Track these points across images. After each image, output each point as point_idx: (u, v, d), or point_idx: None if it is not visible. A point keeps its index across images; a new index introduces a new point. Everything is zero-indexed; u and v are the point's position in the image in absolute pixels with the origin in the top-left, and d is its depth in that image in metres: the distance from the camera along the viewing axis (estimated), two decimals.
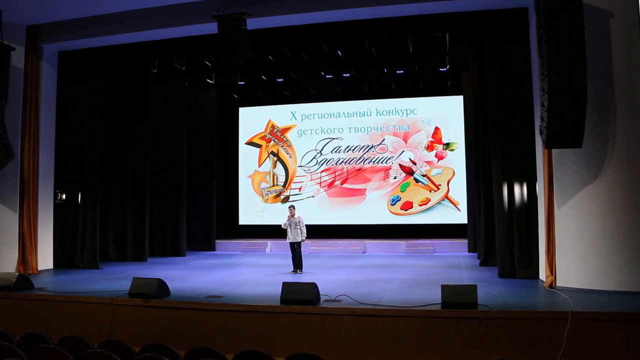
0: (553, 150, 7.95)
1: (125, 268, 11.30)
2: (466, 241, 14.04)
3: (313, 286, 6.86)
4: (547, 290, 7.74)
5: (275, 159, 16.90)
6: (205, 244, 15.80)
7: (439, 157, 15.65)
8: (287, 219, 10.61)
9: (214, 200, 15.95)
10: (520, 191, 9.31)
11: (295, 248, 10.53)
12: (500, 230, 9.41)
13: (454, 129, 15.49)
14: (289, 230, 10.56)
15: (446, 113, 15.70)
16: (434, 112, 15.84)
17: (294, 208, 10.70)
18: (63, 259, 11.48)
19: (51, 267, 11.29)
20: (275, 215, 16.50)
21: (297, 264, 10.52)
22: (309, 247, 14.66)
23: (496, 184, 9.60)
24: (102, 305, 7.31)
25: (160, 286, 7.39)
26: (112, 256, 12.92)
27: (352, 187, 16.22)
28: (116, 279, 9.45)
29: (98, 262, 11.45)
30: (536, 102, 8.70)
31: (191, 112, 15.67)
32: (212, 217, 15.81)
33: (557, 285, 7.91)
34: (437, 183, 15.55)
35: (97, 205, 11.74)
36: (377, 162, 16.06)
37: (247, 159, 17.14)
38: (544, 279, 8.24)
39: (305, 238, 10.66)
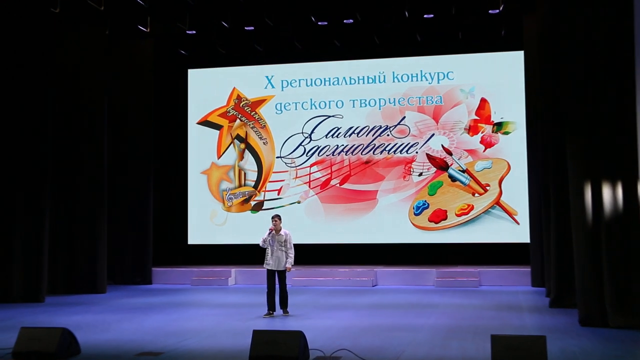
0: None
1: (10, 313, 11.13)
2: (529, 269, 14.00)
3: (299, 337, 6.78)
4: None
5: (243, 146, 16.76)
6: (136, 274, 15.68)
7: (487, 144, 15.53)
8: (268, 233, 10.50)
9: (150, 209, 15.85)
10: (612, 196, 9.14)
11: (278, 278, 10.46)
12: (582, 255, 9.31)
13: (510, 102, 15.41)
14: (269, 251, 10.48)
15: (498, 78, 15.59)
16: (479, 77, 15.71)
17: (279, 219, 10.60)
18: None
19: None
20: (243, 229, 16.36)
21: (281, 301, 10.50)
22: (293, 278, 14.58)
23: (575, 184, 9.48)
24: None
25: (65, 340, 7.24)
26: None
27: (356, 189, 16.09)
28: None
29: None
30: (639, 60, 8.56)
31: (115, 75, 15.47)
32: (146, 233, 15.72)
33: None
34: (483, 182, 15.43)
35: None
36: (394, 152, 15.95)
37: (201, 147, 17.00)
38: None
39: (292, 265, 10.60)
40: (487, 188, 15.42)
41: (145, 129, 15.90)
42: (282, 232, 10.50)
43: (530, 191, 14.08)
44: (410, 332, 8.72)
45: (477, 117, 15.65)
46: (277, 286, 10.47)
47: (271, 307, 10.42)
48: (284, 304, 10.49)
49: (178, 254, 17.00)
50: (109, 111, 14.70)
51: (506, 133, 15.49)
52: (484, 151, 15.53)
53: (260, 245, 10.55)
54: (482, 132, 15.58)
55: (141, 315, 10.64)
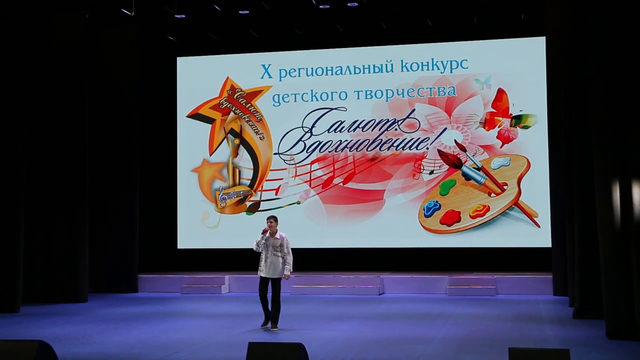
0: None
1: None
2: (550, 276, 14.02)
3: (299, 350, 6.69)
4: None
5: (238, 141, 16.78)
6: (121, 282, 15.70)
7: (505, 140, 15.53)
8: (262, 236, 10.42)
9: (136, 211, 15.87)
10: None
11: (271, 287, 10.35)
12: (609, 261, 9.28)
13: (530, 93, 15.40)
14: (263, 255, 10.41)
15: (517, 67, 15.58)
16: (496, 66, 15.70)
17: (275, 220, 10.53)
18: None
19: None
20: (237, 232, 16.37)
21: (271, 314, 10.39)
22: (292, 285, 14.56)
23: (601, 183, 9.46)
24: None
25: (42, 353, 7.15)
26: None
27: (361, 188, 16.10)
28: None
29: None
30: None
31: (96, 64, 15.46)
32: (132, 237, 15.73)
33: None
34: (500, 181, 15.43)
35: None
36: (403, 148, 15.95)
37: (191, 142, 17.02)
38: None
39: (291, 272, 10.47)
40: (505, 187, 15.39)
41: (131, 123, 15.88)
42: (277, 236, 10.41)
43: (552, 191, 14.05)
44: (420, 345, 8.72)
45: (493, 110, 15.61)
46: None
47: (268, 317, 10.37)
48: (274, 318, 10.29)
49: (166, 260, 16.99)
50: (90, 103, 14.68)
51: (526, 127, 15.46)
52: (501, 147, 15.51)
53: (254, 249, 10.48)
54: (499, 126, 15.55)
55: (126, 327, 10.65)
